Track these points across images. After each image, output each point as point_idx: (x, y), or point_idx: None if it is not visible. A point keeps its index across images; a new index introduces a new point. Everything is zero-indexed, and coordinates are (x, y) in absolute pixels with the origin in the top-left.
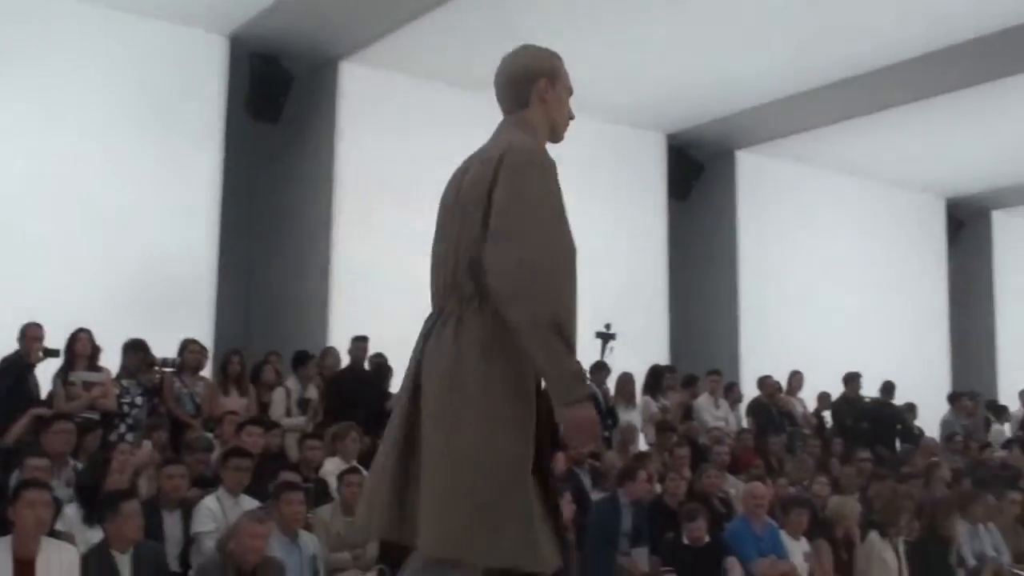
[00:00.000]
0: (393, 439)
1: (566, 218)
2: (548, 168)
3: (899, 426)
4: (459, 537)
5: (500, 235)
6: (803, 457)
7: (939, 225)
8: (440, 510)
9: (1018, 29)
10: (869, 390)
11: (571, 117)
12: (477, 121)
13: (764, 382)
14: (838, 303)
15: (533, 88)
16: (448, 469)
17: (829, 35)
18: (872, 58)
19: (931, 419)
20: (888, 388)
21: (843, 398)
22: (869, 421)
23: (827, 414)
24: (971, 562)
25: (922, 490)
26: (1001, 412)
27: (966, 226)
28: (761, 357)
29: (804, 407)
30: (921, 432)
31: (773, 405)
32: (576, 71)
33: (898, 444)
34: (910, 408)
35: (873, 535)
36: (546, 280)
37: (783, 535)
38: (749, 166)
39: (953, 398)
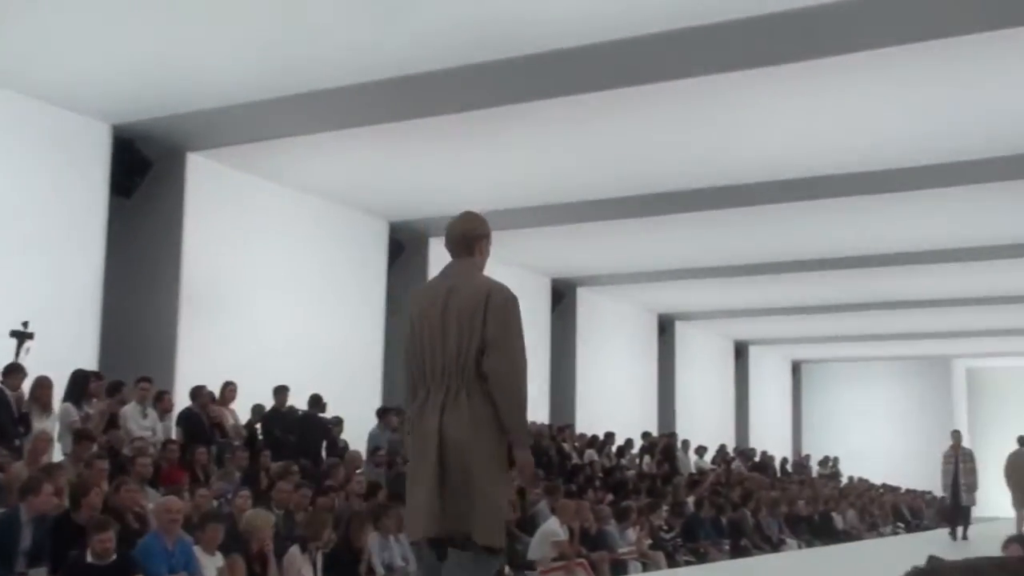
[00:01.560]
0: (428, 465)
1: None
2: (517, 303)
3: (325, 439)
4: (490, 531)
5: (497, 349)
6: (229, 469)
7: (381, 246)
8: (474, 515)
9: (485, 65)
10: (303, 402)
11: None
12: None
13: (197, 392)
14: (278, 315)
15: (476, 244)
16: (479, 488)
17: (293, 46)
18: (332, 77)
19: (362, 432)
20: (316, 401)
21: (273, 410)
22: (297, 433)
23: (260, 426)
24: (380, 571)
25: (342, 502)
26: None
27: (406, 249)
28: (201, 366)
29: (236, 418)
30: (347, 445)
31: (204, 415)
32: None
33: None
34: (337, 421)
35: (294, 549)
36: (520, 378)
37: (197, 550)
38: (200, 169)
39: (381, 413)
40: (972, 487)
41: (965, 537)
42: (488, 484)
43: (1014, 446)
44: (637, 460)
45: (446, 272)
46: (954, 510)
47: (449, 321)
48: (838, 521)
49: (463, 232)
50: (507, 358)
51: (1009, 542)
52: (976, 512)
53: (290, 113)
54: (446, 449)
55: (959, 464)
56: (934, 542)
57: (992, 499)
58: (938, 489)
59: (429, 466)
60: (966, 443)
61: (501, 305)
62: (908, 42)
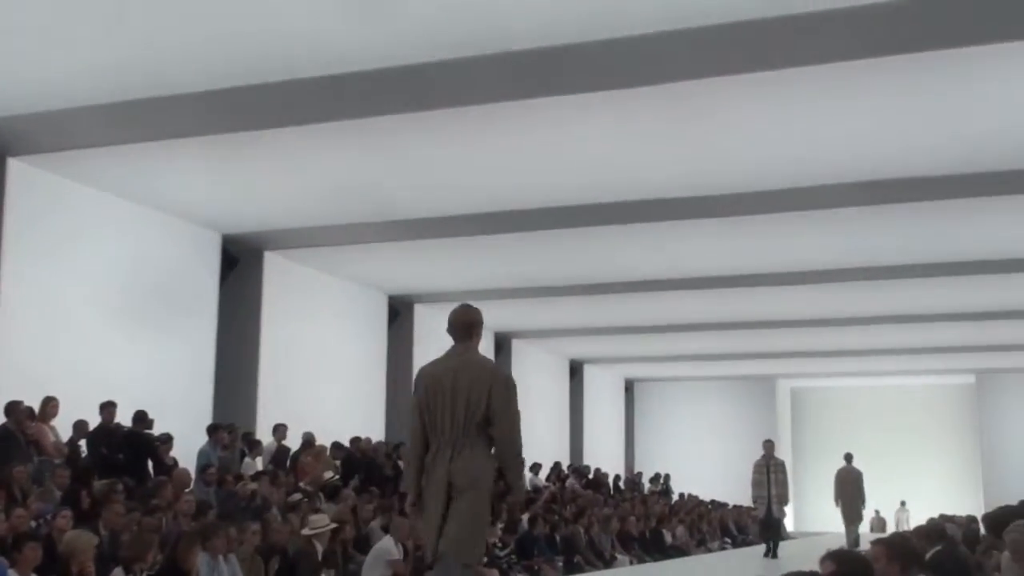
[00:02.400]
0: (437, 502)
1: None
2: (515, 386)
3: (151, 457)
4: (470, 551)
5: (501, 420)
6: (49, 488)
7: (214, 259)
8: (461, 540)
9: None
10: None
11: None
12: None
13: (12, 408)
14: (104, 328)
15: (475, 330)
16: (469, 520)
17: (122, 50)
18: (163, 85)
19: (192, 449)
20: (141, 417)
21: (100, 427)
22: (124, 451)
23: (84, 443)
24: None
25: (170, 522)
26: (255, 445)
27: (240, 262)
28: (21, 382)
29: (57, 435)
30: (175, 463)
31: (21, 433)
32: None
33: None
34: (166, 439)
35: (117, 571)
36: (517, 442)
37: (12, 573)
38: (20, 175)
39: (211, 430)
40: (784, 499)
41: (775, 555)
42: (477, 517)
43: (835, 462)
44: None
45: (452, 354)
46: (767, 524)
47: (458, 394)
48: (668, 537)
49: (465, 322)
50: (508, 427)
51: (825, 558)
52: (799, 526)
53: (119, 121)
54: (453, 489)
55: (771, 475)
56: (756, 556)
57: (814, 514)
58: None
59: (437, 502)
60: (788, 460)
61: (504, 387)
62: (739, 72)
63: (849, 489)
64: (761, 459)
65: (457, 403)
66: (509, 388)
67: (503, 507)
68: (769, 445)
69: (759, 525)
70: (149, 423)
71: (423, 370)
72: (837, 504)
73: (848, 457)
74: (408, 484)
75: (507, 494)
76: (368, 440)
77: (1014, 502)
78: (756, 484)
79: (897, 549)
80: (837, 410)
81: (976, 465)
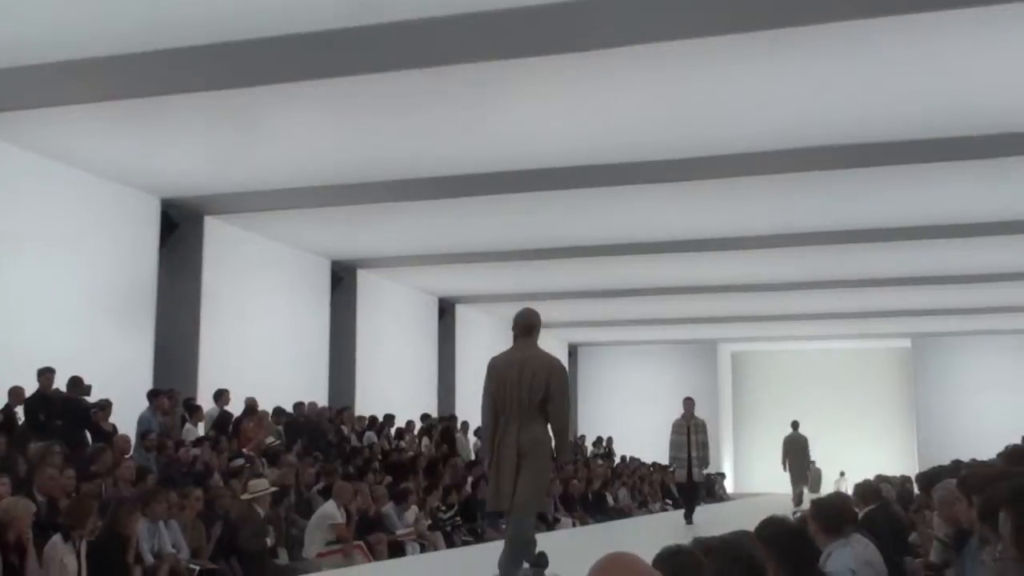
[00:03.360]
0: (510, 464)
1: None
2: (566, 371)
3: (86, 424)
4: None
5: (555, 400)
6: None
7: (153, 224)
8: (533, 493)
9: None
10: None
11: None
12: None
13: None
14: (39, 294)
15: (536, 329)
16: (537, 478)
17: (61, 11)
18: (102, 45)
19: (132, 416)
20: (76, 383)
21: (37, 393)
22: (62, 417)
23: (20, 410)
24: (149, 559)
25: (110, 488)
26: (195, 411)
27: (180, 227)
28: None
29: None
30: (114, 429)
31: None
32: None
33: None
34: (104, 405)
35: (56, 538)
36: (566, 417)
37: None
38: None
39: (151, 395)
40: (704, 461)
41: (690, 520)
42: (535, 474)
43: (775, 424)
44: (416, 442)
45: (517, 347)
46: (687, 487)
47: (523, 380)
48: (610, 499)
49: (528, 323)
50: (561, 407)
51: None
52: (739, 487)
53: (53, 83)
54: (520, 452)
55: (691, 436)
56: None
57: (753, 476)
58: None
59: (511, 464)
60: (728, 422)
61: (559, 376)
62: (666, 39)
63: (795, 453)
64: (680, 418)
65: (522, 388)
66: (563, 377)
67: (556, 467)
68: (689, 404)
69: (678, 489)
70: (85, 389)
71: (493, 360)
72: (784, 467)
73: (795, 424)
74: (485, 451)
75: (556, 458)
76: (313, 405)
77: (947, 463)
78: (675, 445)
79: (829, 512)
80: (777, 373)
81: (911, 427)
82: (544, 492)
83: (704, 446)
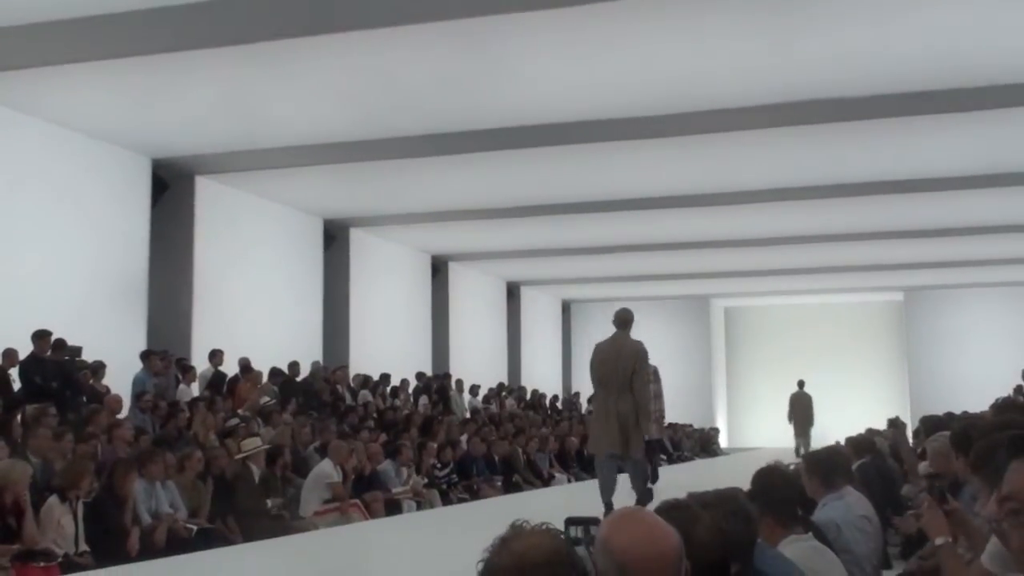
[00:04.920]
0: (612, 424)
1: None
2: (647, 355)
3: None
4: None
5: (637, 379)
6: None
7: (144, 185)
8: (636, 448)
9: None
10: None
11: None
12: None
13: None
14: (32, 255)
15: (629, 324)
16: (635, 434)
17: None
18: (91, 3)
19: (126, 378)
20: (60, 345)
21: (32, 356)
22: (57, 379)
23: (15, 372)
24: (146, 519)
25: (105, 449)
26: (188, 371)
27: (170, 188)
28: None
29: None
30: (108, 390)
31: None
32: None
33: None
34: (99, 366)
35: (52, 499)
36: (646, 389)
37: None
38: None
39: (144, 356)
40: (661, 415)
41: (654, 479)
42: (635, 431)
43: (767, 379)
44: (412, 400)
45: (615, 337)
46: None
47: (620, 362)
48: None
49: (625, 319)
50: (641, 383)
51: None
52: (733, 443)
53: (41, 41)
54: (619, 416)
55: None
56: (688, 471)
57: (747, 431)
58: (697, 421)
59: (612, 424)
60: (722, 377)
61: (641, 360)
62: None
63: (800, 410)
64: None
65: (618, 368)
66: (642, 359)
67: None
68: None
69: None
70: (71, 350)
71: (598, 346)
72: (790, 421)
73: (801, 383)
74: (596, 416)
75: (638, 421)
76: (317, 363)
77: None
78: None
79: (822, 464)
80: (770, 328)
81: (904, 380)
82: (640, 443)
83: (659, 397)
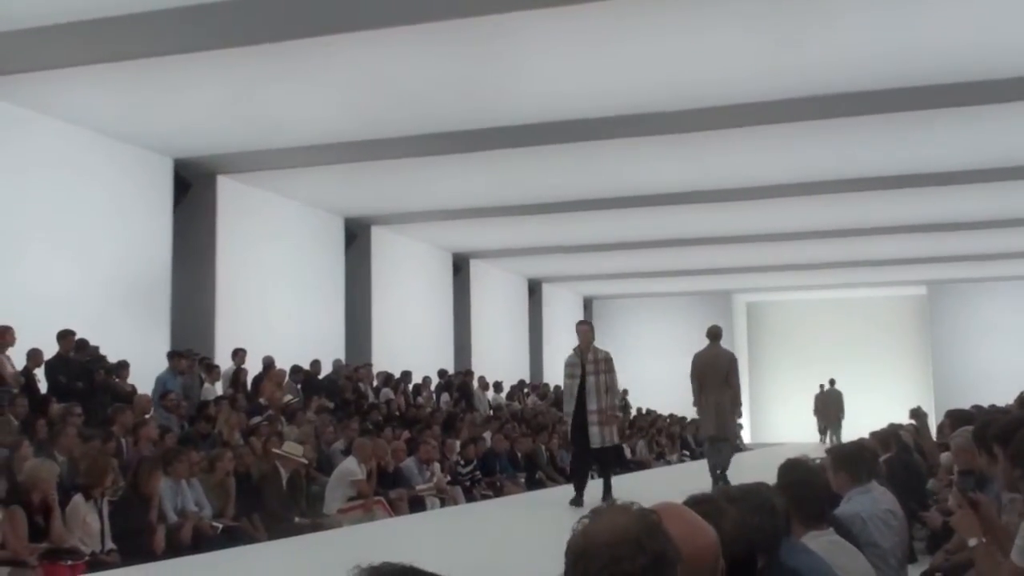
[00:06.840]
0: (713, 414)
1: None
2: (737, 360)
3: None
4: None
5: (733, 377)
6: (7, 418)
7: (166, 184)
8: (732, 430)
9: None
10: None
11: None
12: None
13: None
14: (55, 256)
15: (719, 337)
16: (731, 423)
17: None
18: (111, 5)
19: (149, 376)
20: (82, 346)
21: (57, 356)
22: (82, 379)
23: (40, 372)
24: (172, 517)
25: (131, 448)
26: (212, 370)
27: (193, 187)
28: None
29: (13, 365)
30: (134, 389)
31: None
32: None
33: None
34: (123, 365)
35: (78, 498)
36: (738, 387)
37: None
38: None
39: (170, 356)
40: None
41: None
42: (731, 418)
43: (790, 375)
44: (434, 398)
45: (711, 346)
46: (581, 453)
47: (716, 367)
48: (628, 452)
49: (716, 334)
50: (735, 381)
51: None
52: (756, 438)
53: (64, 43)
54: (718, 408)
55: (587, 376)
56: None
57: (771, 426)
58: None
59: (712, 411)
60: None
61: (734, 364)
62: None
63: (826, 407)
64: (573, 353)
65: (716, 371)
66: (735, 363)
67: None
68: (585, 329)
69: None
70: (92, 350)
71: (698, 354)
72: (817, 417)
73: (831, 381)
74: (700, 410)
75: (733, 411)
76: (339, 362)
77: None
78: (568, 390)
79: (847, 458)
80: (792, 323)
81: (928, 374)
82: (735, 430)
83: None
